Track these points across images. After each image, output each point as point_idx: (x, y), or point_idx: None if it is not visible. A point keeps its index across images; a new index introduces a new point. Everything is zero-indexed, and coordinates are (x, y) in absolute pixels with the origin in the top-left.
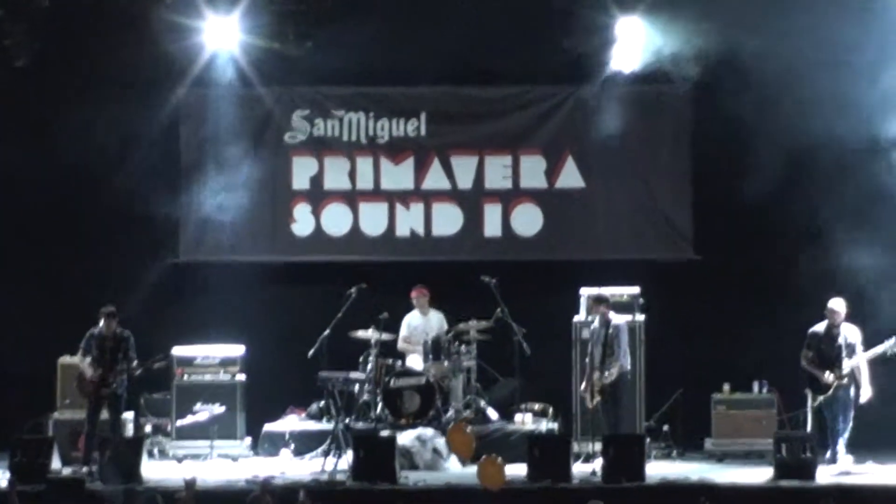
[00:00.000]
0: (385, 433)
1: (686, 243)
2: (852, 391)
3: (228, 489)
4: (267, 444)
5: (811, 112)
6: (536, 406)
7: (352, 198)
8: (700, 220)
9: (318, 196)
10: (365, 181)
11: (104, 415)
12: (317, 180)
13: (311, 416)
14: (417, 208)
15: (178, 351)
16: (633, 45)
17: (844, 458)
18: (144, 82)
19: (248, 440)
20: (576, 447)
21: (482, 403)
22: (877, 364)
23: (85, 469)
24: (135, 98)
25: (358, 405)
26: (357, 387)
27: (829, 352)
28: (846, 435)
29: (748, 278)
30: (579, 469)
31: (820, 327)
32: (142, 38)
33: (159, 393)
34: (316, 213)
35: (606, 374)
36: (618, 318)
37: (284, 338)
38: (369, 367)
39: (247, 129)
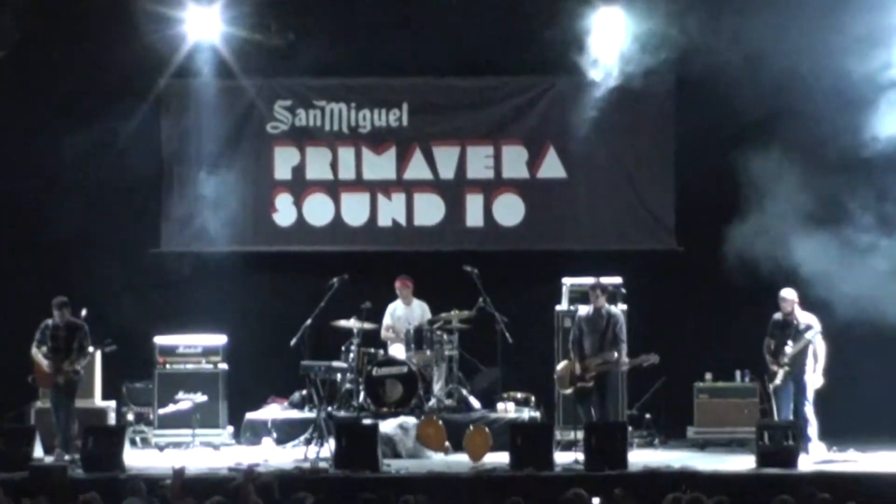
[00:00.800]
0: (367, 421)
1: (668, 234)
2: (806, 378)
3: (211, 477)
4: (249, 433)
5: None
6: (519, 395)
7: (334, 188)
8: (682, 210)
9: (300, 186)
10: (347, 171)
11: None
12: (299, 170)
13: (294, 405)
14: (399, 198)
15: (161, 340)
16: (615, 35)
17: (817, 447)
18: (125, 72)
19: (230, 429)
20: (558, 435)
21: (464, 392)
22: (855, 353)
23: (67, 457)
24: (115, 88)
25: (340, 394)
26: (339, 376)
27: (782, 340)
28: (814, 422)
29: (730, 269)
30: (562, 457)
31: (779, 315)
32: (123, 27)
33: (141, 382)
34: (298, 204)
35: (609, 357)
36: (613, 308)
37: (266, 327)
38: (352, 356)
39: (228, 119)
